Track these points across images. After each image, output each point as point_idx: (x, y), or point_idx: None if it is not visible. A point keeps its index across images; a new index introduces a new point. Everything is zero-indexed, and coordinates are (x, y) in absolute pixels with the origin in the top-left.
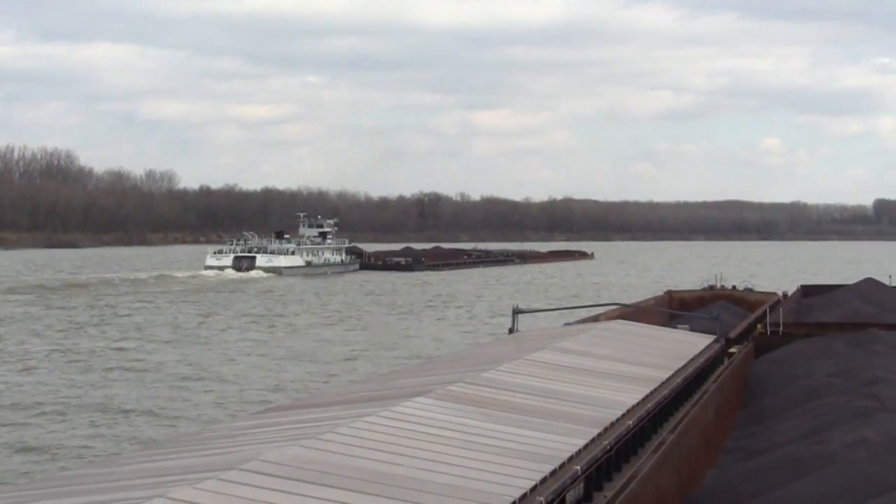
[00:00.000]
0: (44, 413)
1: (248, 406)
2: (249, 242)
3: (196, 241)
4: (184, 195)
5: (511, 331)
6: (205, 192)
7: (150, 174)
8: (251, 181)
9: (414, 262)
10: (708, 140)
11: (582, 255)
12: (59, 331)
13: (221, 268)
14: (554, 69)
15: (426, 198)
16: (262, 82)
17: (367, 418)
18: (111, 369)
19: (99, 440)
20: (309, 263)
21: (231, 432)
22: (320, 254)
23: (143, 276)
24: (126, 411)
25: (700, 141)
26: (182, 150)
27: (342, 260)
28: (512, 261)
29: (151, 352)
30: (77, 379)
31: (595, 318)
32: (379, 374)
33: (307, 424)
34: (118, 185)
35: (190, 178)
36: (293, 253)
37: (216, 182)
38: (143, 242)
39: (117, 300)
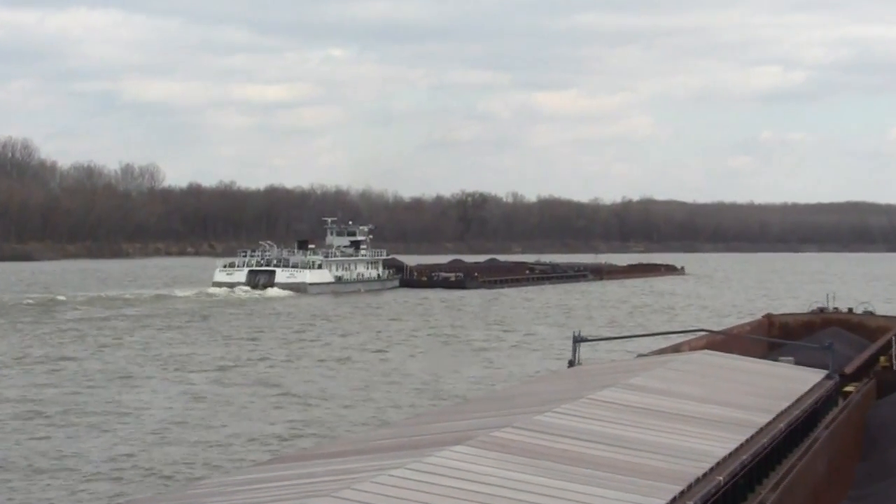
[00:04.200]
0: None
1: (248, 456)
2: (267, 254)
3: (183, 253)
4: (168, 195)
5: (572, 363)
6: (194, 192)
7: (126, 169)
8: (254, 178)
9: (465, 278)
10: (824, 127)
11: (670, 270)
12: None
13: (233, 284)
14: (633, 40)
15: (469, 198)
16: (273, 57)
17: (394, 471)
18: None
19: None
20: (339, 279)
21: (226, 488)
22: (352, 267)
23: (128, 295)
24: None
25: (814, 128)
26: (172, 140)
27: (379, 275)
28: (584, 276)
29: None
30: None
31: (676, 348)
32: (409, 417)
33: (319, 479)
34: (87, 182)
35: (177, 174)
36: (320, 266)
37: (209, 179)
38: (117, 254)
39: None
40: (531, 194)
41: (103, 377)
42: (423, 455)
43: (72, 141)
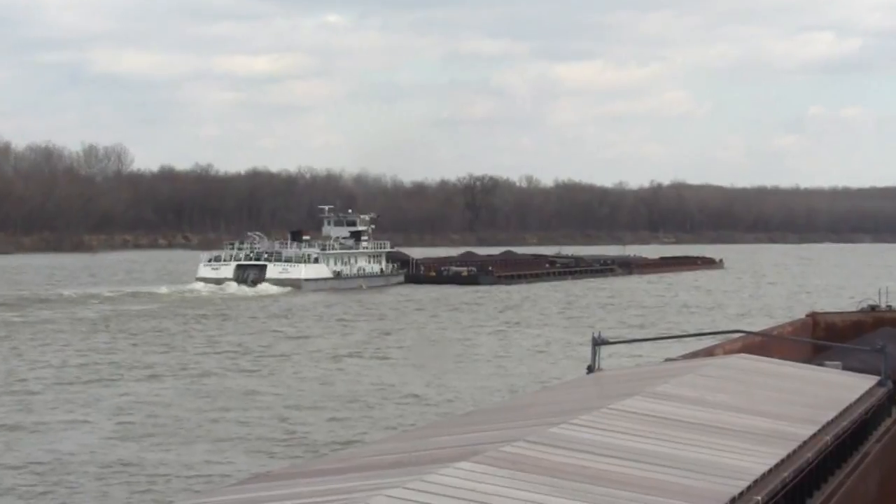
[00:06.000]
0: None
1: (226, 474)
2: (257, 246)
3: (154, 245)
4: (137, 180)
5: (591, 369)
6: (167, 176)
7: (89, 151)
8: (236, 161)
9: (479, 273)
10: (882, 102)
11: (707, 263)
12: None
13: (219, 280)
14: (667, 4)
15: (478, 183)
16: (261, 24)
17: (391, 491)
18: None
19: None
20: (338, 274)
21: None
22: (352, 261)
23: (107, 292)
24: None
25: (870, 103)
26: (143, 118)
27: (382, 269)
28: (612, 270)
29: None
30: None
31: (709, 352)
32: (410, 430)
33: (307, 499)
34: (45, 166)
35: (147, 156)
36: (316, 260)
37: (184, 162)
38: (79, 247)
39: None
40: (548, 178)
41: (80, 383)
42: (424, 472)
43: (30, 119)
